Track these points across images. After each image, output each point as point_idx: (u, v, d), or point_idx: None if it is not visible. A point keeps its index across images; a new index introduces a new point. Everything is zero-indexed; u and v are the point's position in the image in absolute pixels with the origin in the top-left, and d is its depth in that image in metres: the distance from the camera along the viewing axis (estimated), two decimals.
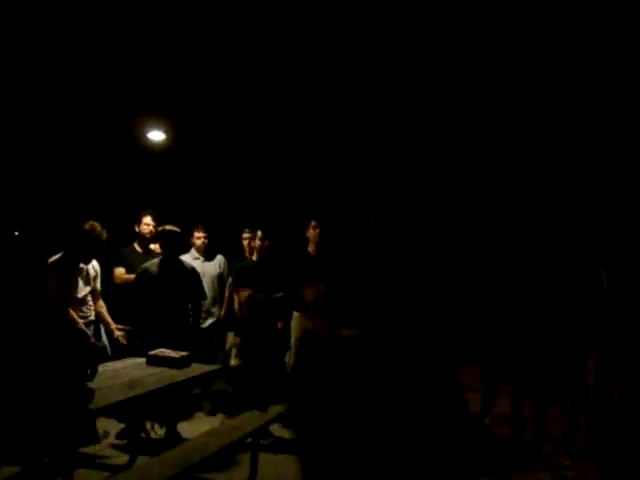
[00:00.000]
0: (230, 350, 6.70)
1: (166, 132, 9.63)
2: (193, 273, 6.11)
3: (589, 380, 5.51)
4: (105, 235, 5.70)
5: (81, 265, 5.74)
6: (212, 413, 6.77)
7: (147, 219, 6.50)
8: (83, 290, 5.78)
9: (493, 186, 8.50)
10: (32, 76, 7.83)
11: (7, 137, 8.01)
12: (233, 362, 6.35)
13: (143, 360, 5.07)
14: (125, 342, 6.03)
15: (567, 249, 5.58)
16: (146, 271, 5.90)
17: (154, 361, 5.01)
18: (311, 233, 6.82)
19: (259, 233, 6.46)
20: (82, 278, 5.78)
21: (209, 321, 6.93)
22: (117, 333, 6.04)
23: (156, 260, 5.99)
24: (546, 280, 5.59)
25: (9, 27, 6.95)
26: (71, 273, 5.67)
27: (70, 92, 8.27)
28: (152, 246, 6.48)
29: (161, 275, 5.86)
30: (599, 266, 5.49)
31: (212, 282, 6.97)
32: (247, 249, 6.73)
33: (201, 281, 6.27)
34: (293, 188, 9.89)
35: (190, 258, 6.89)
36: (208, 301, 6.88)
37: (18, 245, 6.82)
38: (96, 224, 5.65)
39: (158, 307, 5.82)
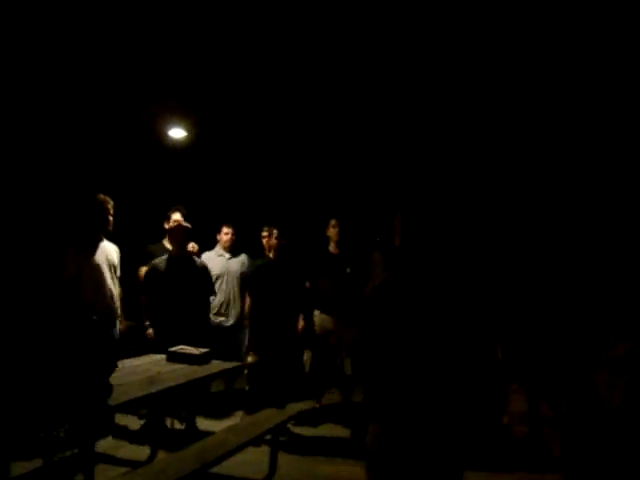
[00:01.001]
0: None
1: (187, 130, 9.67)
2: (203, 269, 6.14)
3: None
4: (111, 202, 5.77)
5: (105, 252, 5.80)
6: (231, 410, 6.80)
7: (176, 216, 6.49)
8: (114, 286, 5.87)
9: (498, 189, 8.47)
10: (53, 75, 7.89)
11: (28, 138, 8.08)
12: (250, 359, 6.38)
13: (163, 357, 5.08)
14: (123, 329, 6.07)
15: (579, 253, 5.65)
16: (154, 267, 5.95)
17: (174, 358, 5.03)
18: (331, 232, 6.85)
19: (275, 232, 6.47)
20: (114, 275, 5.88)
21: (231, 320, 6.93)
22: (121, 326, 6.06)
23: (165, 256, 6.03)
24: (556, 285, 5.68)
25: (28, 22, 7.00)
26: (89, 247, 5.73)
27: (90, 90, 8.32)
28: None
29: (169, 271, 5.90)
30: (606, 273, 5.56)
31: (235, 279, 6.98)
32: (266, 247, 6.74)
33: (210, 277, 6.28)
34: (313, 187, 9.89)
35: (215, 255, 6.92)
36: (232, 299, 6.92)
37: (38, 245, 6.87)
38: (101, 194, 5.76)
39: (167, 303, 5.85)
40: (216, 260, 6.87)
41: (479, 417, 5.96)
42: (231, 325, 6.88)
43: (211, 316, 6.68)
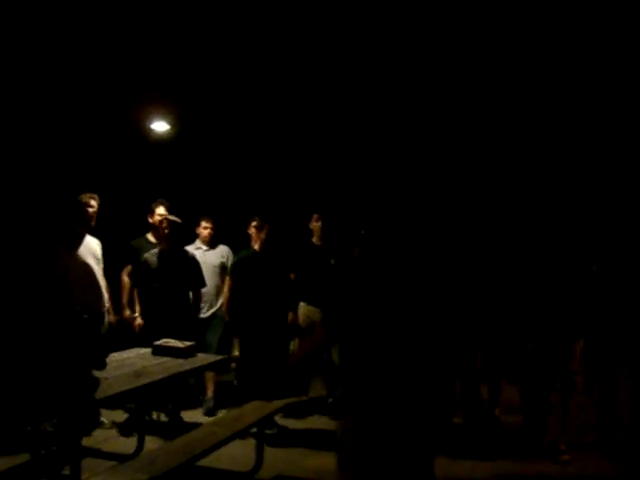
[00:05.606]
0: (232, 340, 6.74)
1: (170, 123, 9.63)
2: (193, 261, 6.19)
3: (575, 367, 5.54)
4: (94, 199, 5.83)
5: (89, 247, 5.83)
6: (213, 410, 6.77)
7: (160, 209, 6.47)
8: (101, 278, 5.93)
9: (494, 184, 8.52)
10: (34, 72, 7.83)
11: (10, 132, 8.01)
12: (236, 353, 6.37)
13: (149, 350, 5.09)
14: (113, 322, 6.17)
15: (561, 245, 5.71)
16: (146, 262, 5.97)
17: (160, 351, 5.03)
18: (314, 225, 6.92)
19: (266, 226, 6.44)
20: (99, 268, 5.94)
21: (210, 311, 6.93)
22: (112, 319, 6.15)
23: (156, 250, 6.04)
24: (538, 273, 5.75)
25: (7, 20, 6.95)
26: (74, 243, 5.78)
27: (73, 85, 8.26)
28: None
29: (160, 266, 5.92)
30: (592, 262, 5.63)
31: (213, 271, 6.96)
32: (253, 238, 6.72)
33: (201, 269, 6.30)
34: (297, 179, 9.90)
35: (193, 248, 6.92)
36: (210, 291, 6.91)
37: (24, 239, 6.86)
38: (88, 193, 5.84)
39: (158, 297, 5.89)
40: (193, 252, 6.91)
41: (468, 409, 6.00)
42: (207, 317, 6.90)
43: None
